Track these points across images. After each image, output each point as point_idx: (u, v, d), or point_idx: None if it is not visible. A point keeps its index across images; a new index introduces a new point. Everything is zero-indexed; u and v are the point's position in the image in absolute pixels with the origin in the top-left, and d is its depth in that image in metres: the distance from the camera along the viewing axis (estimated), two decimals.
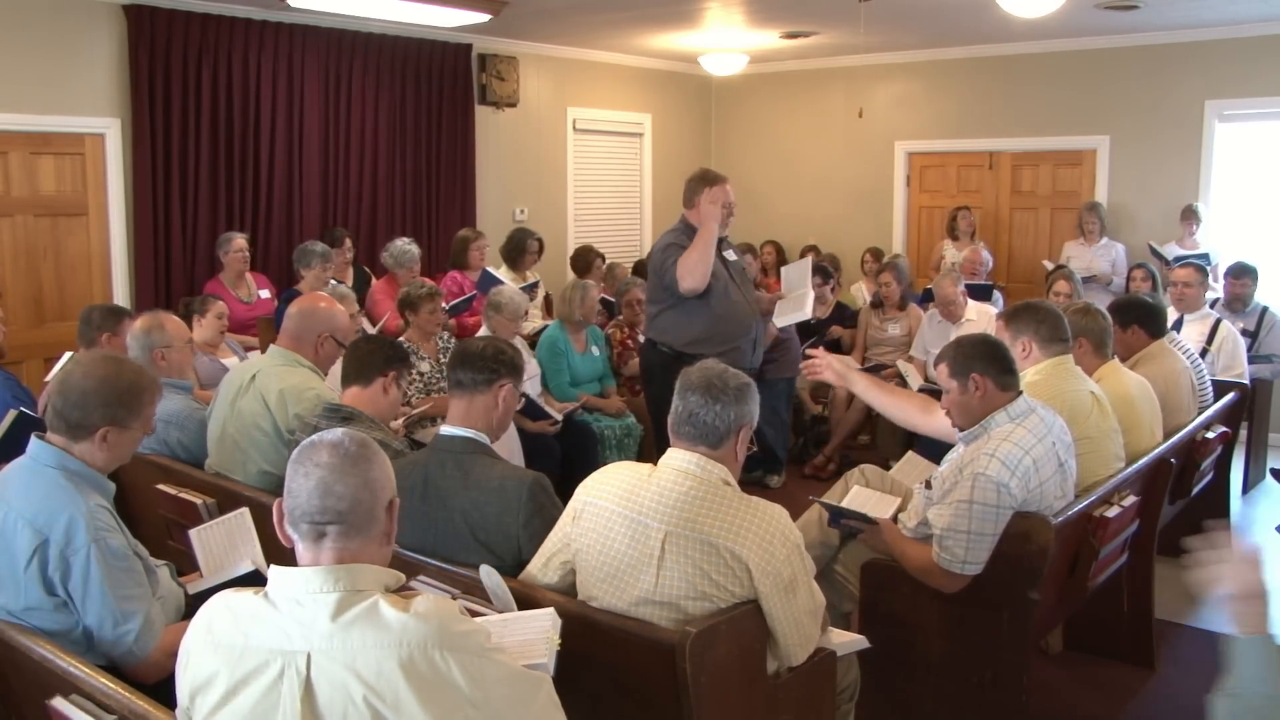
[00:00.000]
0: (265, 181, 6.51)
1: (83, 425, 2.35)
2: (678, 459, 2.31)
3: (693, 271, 4.40)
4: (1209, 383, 4.59)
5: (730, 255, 4.69)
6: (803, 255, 7.99)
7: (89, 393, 2.35)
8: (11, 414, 3.53)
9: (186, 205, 6.17)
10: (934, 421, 3.31)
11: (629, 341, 6.09)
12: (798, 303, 4.81)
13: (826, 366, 3.53)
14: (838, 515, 3.13)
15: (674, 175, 9.32)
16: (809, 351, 3.63)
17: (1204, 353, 5.24)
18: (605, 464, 2.55)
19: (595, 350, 5.84)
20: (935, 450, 3.45)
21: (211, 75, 6.18)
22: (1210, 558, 1.75)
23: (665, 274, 4.47)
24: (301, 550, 1.67)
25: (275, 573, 1.65)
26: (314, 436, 1.72)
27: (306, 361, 3.45)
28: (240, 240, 5.91)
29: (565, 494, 2.48)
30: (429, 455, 2.68)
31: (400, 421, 4.06)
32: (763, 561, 2.16)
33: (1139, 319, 4.36)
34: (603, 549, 2.27)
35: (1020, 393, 3.00)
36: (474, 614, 2.16)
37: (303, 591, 1.60)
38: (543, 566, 2.42)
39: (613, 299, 6.66)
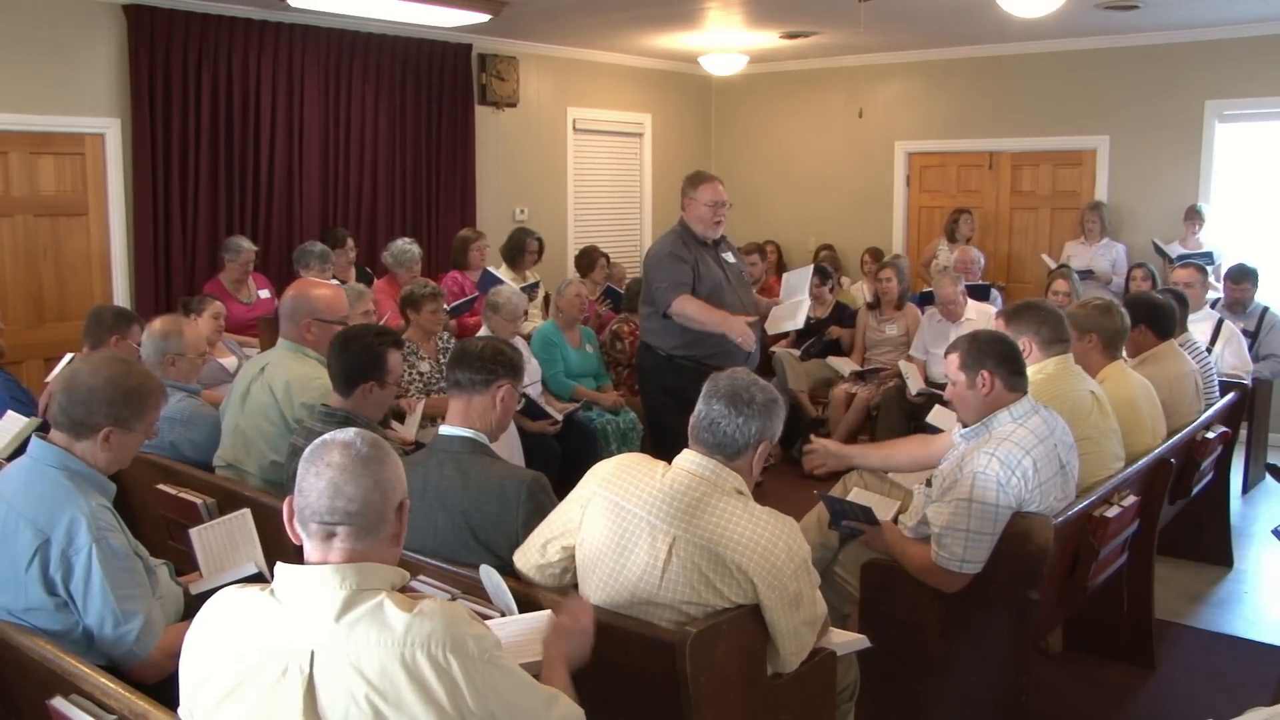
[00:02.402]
0: (265, 181, 6.51)
1: (86, 423, 2.35)
2: (692, 462, 2.29)
3: (685, 320, 4.40)
4: (1216, 383, 4.58)
5: (729, 257, 4.68)
6: (818, 256, 8.06)
7: (95, 390, 2.35)
8: (35, 420, 3.52)
9: (186, 205, 6.17)
10: (936, 449, 3.35)
11: (639, 334, 6.10)
12: (791, 310, 4.80)
13: (826, 456, 3.51)
14: (839, 515, 3.13)
15: (674, 175, 9.29)
16: (806, 447, 3.57)
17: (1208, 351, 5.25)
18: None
19: (589, 348, 5.89)
20: None
21: (211, 75, 6.18)
22: None
23: (658, 292, 4.46)
24: (310, 549, 1.66)
25: (282, 570, 1.64)
26: (326, 436, 1.70)
27: (312, 351, 3.48)
28: (249, 253, 5.88)
29: (565, 494, 2.47)
30: (428, 455, 2.68)
31: (412, 434, 4.05)
32: (769, 576, 2.15)
33: (1148, 318, 4.34)
34: (608, 543, 2.25)
35: (1025, 393, 3.00)
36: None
37: (309, 589, 1.60)
38: (541, 548, 2.39)
39: (619, 289, 6.69)
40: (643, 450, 5.53)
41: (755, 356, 4.73)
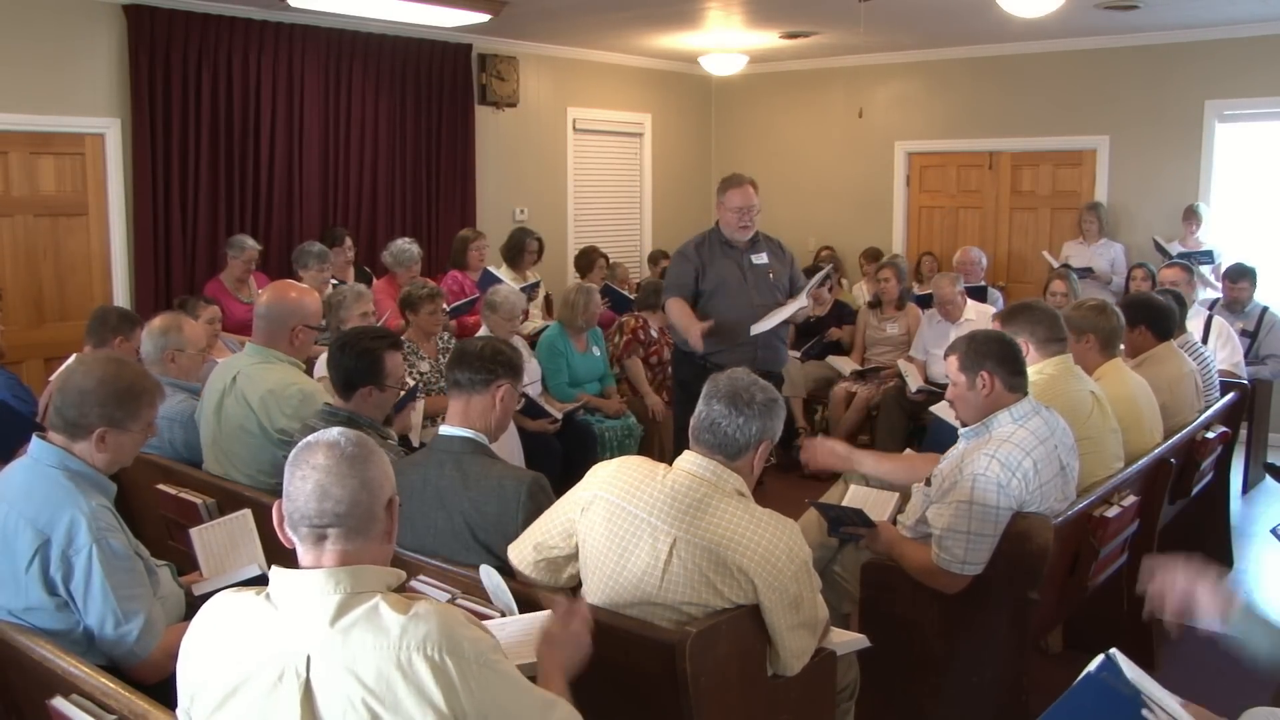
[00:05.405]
0: (265, 181, 6.51)
1: (79, 424, 2.35)
2: (693, 463, 2.29)
3: (669, 319, 4.74)
4: (1216, 381, 4.58)
5: (759, 259, 4.69)
6: (819, 257, 8.09)
7: (87, 391, 2.35)
8: None
9: (186, 205, 6.17)
10: None
11: (639, 332, 6.09)
12: (779, 311, 4.70)
13: (828, 453, 3.41)
14: (836, 523, 3.12)
15: (674, 175, 9.36)
16: (801, 442, 3.47)
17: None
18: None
19: (596, 350, 5.85)
20: (935, 450, 3.44)
21: (211, 75, 6.18)
22: None
23: (663, 289, 4.75)
24: (302, 553, 1.65)
25: (277, 574, 1.64)
26: (310, 437, 1.69)
27: (284, 355, 3.42)
28: (253, 251, 5.87)
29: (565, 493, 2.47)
30: (428, 456, 2.68)
31: (416, 435, 4.05)
32: (769, 578, 2.15)
33: (1148, 319, 4.32)
34: (610, 544, 2.26)
35: (1026, 394, 3.00)
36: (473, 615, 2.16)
37: (304, 593, 1.60)
38: (534, 548, 2.40)
39: (623, 291, 6.69)
40: (645, 450, 5.60)
41: (776, 357, 4.73)
